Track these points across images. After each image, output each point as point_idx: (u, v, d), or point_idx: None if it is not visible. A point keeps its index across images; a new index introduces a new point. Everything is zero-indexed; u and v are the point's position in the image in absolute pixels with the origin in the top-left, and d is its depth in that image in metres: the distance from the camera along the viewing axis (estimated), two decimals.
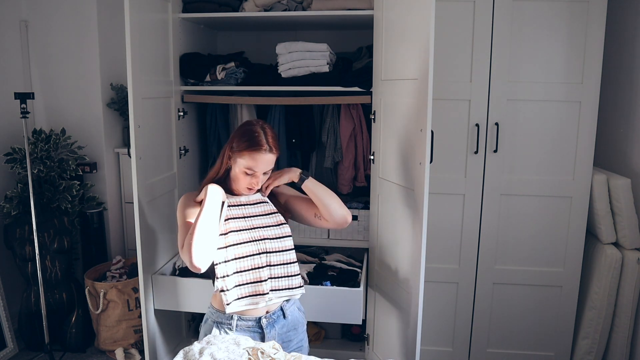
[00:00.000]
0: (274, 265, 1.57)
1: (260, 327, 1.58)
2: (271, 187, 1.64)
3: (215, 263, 1.53)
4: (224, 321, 1.57)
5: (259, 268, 1.55)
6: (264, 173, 1.56)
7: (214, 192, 1.51)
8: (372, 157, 2.29)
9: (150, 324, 2.20)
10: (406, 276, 2.02)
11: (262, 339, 1.58)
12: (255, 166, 1.52)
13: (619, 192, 2.29)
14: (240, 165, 1.53)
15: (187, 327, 2.64)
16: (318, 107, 2.66)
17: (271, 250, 1.57)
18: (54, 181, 2.78)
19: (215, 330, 1.57)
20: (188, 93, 2.54)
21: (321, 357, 1.44)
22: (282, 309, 1.62)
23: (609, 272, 2.31)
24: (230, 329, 1.56)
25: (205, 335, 1.59)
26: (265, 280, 1.55)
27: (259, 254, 1.56)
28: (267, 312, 1.59)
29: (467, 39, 2.30)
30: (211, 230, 1.46)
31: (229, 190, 1.62)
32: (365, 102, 2.39)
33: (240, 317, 1.56)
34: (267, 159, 1.53)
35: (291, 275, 1.60)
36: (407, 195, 1.98)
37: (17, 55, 2.92)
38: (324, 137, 2.58)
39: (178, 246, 1.55)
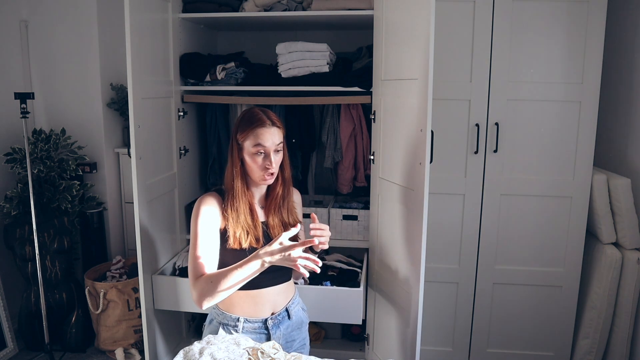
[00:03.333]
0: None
1: (266, 329, 1.57)
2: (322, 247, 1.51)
3: None
4: (230, 322, 1.56)
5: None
6: (276, 151, 1.50)
7: (258, 266, 1.38)
8: (372, 157, 2.29)
9: (150, 324, 2.20)
10: (406, 276, 2.02)
11: (268, 340, 1.57)
12: (263, 141, 1.46)
13: (619, 192, 2.29)
14: (249, 147, 1.47)
15: (187, 327, 2.64)
16: (318, 107, 2.66)
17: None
18: (54, 181, 2.78)
19: (221, 331, 1.56)
20: (188, 93, 2.54)
21: (321, 357, 1.43)
22: (287, 310, 1.61)
23: (609, 272, 2.31)
24: (237, 331, 1.55)
25: None
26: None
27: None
28: (272, 314, 1.58)
29: (467, 39, 2.30)
30: (236, 287, 1.41)
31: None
32: (365, 102, 2.39)
33: (246, 319, 1.55)
34: (273, 132, 1.48)
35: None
36: (407, 195, 1.98)
37: (17, 55, 2.92)
38: (324, 137, 2.58)
39: (189, 268, 1.46)
